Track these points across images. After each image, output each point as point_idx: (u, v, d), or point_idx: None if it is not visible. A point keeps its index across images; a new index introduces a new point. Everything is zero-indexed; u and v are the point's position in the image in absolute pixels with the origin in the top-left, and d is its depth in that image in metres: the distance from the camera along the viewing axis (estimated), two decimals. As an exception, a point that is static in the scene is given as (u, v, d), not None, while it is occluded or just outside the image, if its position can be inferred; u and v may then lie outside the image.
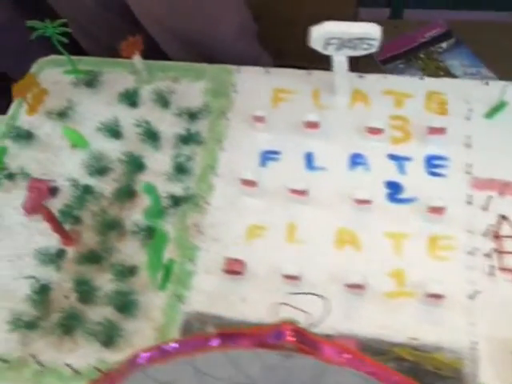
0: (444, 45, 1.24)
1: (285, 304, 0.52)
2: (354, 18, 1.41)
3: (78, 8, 0.91)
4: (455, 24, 1.31)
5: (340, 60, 0.77)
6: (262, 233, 0.71)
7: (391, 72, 1.25)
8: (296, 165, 0.77)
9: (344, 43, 0.74)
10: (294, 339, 0.46)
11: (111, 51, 0.91)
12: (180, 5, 0.83)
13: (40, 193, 0.73)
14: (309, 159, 0.78)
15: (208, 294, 0.67)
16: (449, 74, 1.21)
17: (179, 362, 0.52)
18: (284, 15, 1.26)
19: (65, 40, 0.83)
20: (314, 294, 0.52)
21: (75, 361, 0.63)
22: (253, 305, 0.66)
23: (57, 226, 0.68)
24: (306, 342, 0.46)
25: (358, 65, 0.92)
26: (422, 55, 1.25)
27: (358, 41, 0.73)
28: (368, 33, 0.72)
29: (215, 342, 0.49)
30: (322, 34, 0.72)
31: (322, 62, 0.92)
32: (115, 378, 0.57)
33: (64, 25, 0.82)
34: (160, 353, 0.52)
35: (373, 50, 0.75)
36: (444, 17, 1.40)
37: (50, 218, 0.67)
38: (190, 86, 0.87)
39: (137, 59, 0.85)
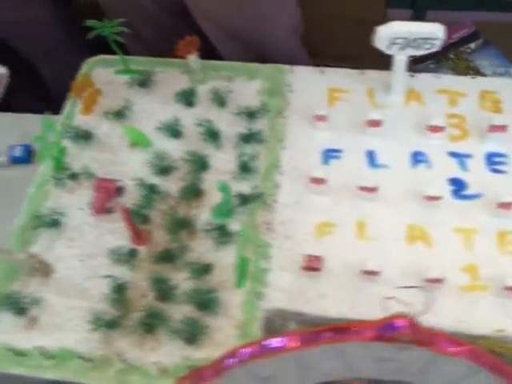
0: (472, 45, 1.27)
1: (390, 298, 0.53)
2: (383, 18, 1.43)
3: (132, 7, 0.91)
4: (480, 25, 1.34)
5: (401, 59, 0.78)
6: (332, 230, 0.72)
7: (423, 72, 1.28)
8: (358, 163, 0.78)
9: (409, 43, 0.75)
10: (411, 332, 0.48)
11: (156, 51, 0.92)
12: (238, 5, 0.83)
13: (108, 193, 0.74)
14: (371, 157, 0.79)
15: (285, 290, 0.68)
16: (479, 73, 1.23)
17: (282, 357, 0.53)
18: (314, 16, 1.28)
19: (121, 40, 0.84)
20: (417, 287, 0.53)
21: (159, 359, 0.63)
22: (332, 301, 0.67)
23: (133, 226, 0.68)
24: (420, 334, 0.48)
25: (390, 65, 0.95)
26: (451, 56, 1.27)
27: (422, 40, 0.75)
28: (433, 32, 0.74)
29: (326, 336, 0.50)
30: (389, 33, 0.73)
31: (352, 62, 0.94)
32: (206, 374, 0.57)
33: (121, 24, 0.82)
34: (262, 349, 0.52)
35: (434, 50, 0.77)
36: (466, 18, 1.43)
37: (128, 217, 0.67)
38: (244, 85, 0.87)
39: (193, 59, 0.86)
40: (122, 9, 0.91)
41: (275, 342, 0.51)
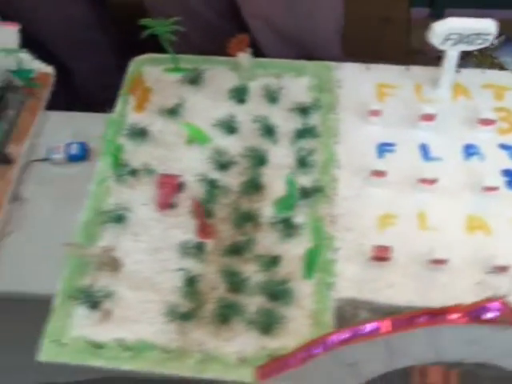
0: (495, 42, 1.29)
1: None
2: (408, 17, 1.46)
3: (179, 7, 0.92)
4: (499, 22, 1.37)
5: (453, 55, 0.80)
6: (394, 221, 0.74)
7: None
8: (412, 156, 0.80)
9: (462, 39, 0.77)
10: (505, 313, 0.49)
11: (200, 51, 0.93)
12: (287, 3, 0.85)
13: (171, 188, 0.75)
14: (424, 150, 0.81)
15: (354, 280, 0.69)
16: (503, 69, 1.26)
17: (373, 342, 0.54)
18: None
19: (173, 38, 0.85)
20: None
21: (236, 349, 0.65)
22: (400, 289, 0.68)
23: (203, 220, 0.69)
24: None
25: (416, 62, 0.97)
26: (475, 52, 1.30)
27: (475, 36, 0.77)
28: (487, 28, 0.76)
29: (421, 320, 0.52)
30: (445, 29, 0.75)
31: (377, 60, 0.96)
32: (291, 362, 0.59)
33: (175, 23, 0.83)
34: (355, 334, 0.54)
35: (485, 45, 0.79)
36: (484, 16, 1.47)
37: (200, 211, 0.68)
38: (293, 82, 0.89)
39: (243, 56, 0.87)
40: (168, 9, 0.92)
41: (369, 326, 0.53)
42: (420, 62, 0.98)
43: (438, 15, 1.62)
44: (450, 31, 0.76)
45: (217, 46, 0.98)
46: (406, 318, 0.54)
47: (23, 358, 0.70)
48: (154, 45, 1.02)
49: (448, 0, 1.58)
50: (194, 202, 0.67)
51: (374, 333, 0.54)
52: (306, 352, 0.59)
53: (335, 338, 0.56)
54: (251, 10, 0.89)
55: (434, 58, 1.33)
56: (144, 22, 0.82)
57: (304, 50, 0.94)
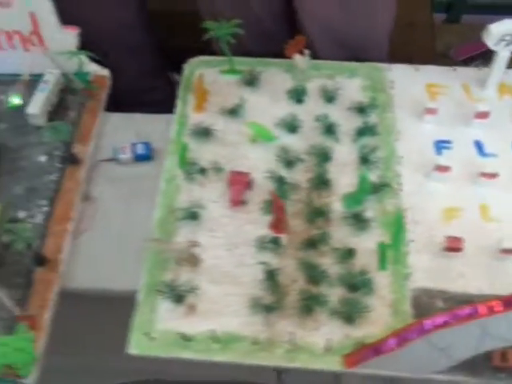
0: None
1: None
2: (431, 22, 1.50)
3: (237, 10, 0.94)
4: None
5: (504, 56, 0.84)
6: (459, 214, 0.77)
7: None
8: (468, 152, 0.83)
9: (516, 40, 0.81)
10: None
11: (248, 52, 0.96)
12: (345, 4, 0.88)
13: (242, 185, 0.77)
14: (479, 147, 0.84)
15: (427, 270, 0.72)
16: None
17: (468, 325, 0.57)
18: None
19: (232, 40, 0.87)
20: None
21: (321, 339, 0.67)
22: (471, 279, 0.71)
23: (282, 216, 0.71)
24: None
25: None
26: (498, 55, 1.34)
27: (528, 37, 0.81)
28: (540, 30, 0.80)
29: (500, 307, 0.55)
30: (502, 30, 0.79)
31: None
32: (385, 348, 0.61)
33: (236, 26, 0.86)
34: (454, 317, 0.56)
35: (537, 47, 0.83)
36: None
37: (279, 207, 0.70)
38: (346, 82, 0.91)
39: (299, 58, 0.90)
40: (226, 12, 0.94)
41: (468, 309, 0.56)
42: (447, 65, 1.02)
43: (455, 21, 1.68)
44: (505, 32, 0.79)
45: (268, 49, 1.01)
46: (504, 300, 0.57)
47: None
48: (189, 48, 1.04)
49: (464, 6, 1.63)
50: (275, 197, 0.69)
51: (473, 315, 0.57)
52: (400, 338, 0.61)
53: (431, 322, 0.59)
54: (309, 13, 0.92)
55: (459, 61, 1.39)
56: (206, 24, 0.85)
57: (355, 51, 0.97)
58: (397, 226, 0.69)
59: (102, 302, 0.75)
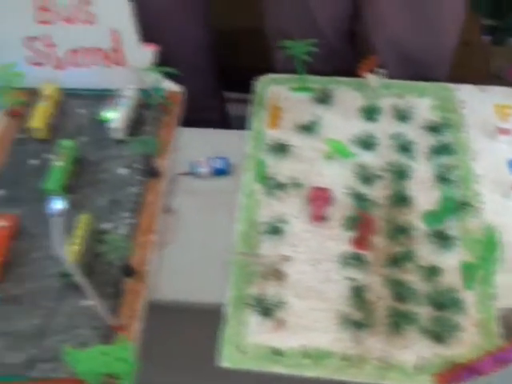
0: None
1: None
2: (483, 43, 1.52)
3: (305, 28, 0.96)
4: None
5: None
6: (541, 232, 0.77)
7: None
8: (543, 171, 0.84)
9: None
10: None
11: (312, 70, 0.97)
12: (418, 21, 0.90)
13: (323, 201, 0.78)
14: (553, 165, 0.85)
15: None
16: None
17: None
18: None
19: (309, 59, 0.89)
20: None
21: (411, 357, 0.66)
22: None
23: (368, 233, 0.72)
24: None
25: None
26: None
27: None
28: None
29: None
30: None
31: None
32: (483, 368, 0.60)
33: (312, 45, 0.87)
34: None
35: None
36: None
37: (369, 224, 0.70)
38: (416, 102, 0.92)
39: (371, 77, 0.91)
40: (293, 30, 0.96)
41: None
42: (503, 86, 1.03)
43: (500, 43, 1.69)
44: None
45: (331, 66, 1.03)
46: None
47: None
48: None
49: (510, 30, 1.65)
50: (364, 214, 0.70)
51: None
52: (497, 358, 0.61)
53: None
54: (377, 27, 0.94)
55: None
56: (283, 43, 0.87)
57: (418, 68, 0.98)
58: (488, 245, 0.69)
59: (181, 313, 0.76)
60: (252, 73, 1.04)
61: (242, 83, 1.31)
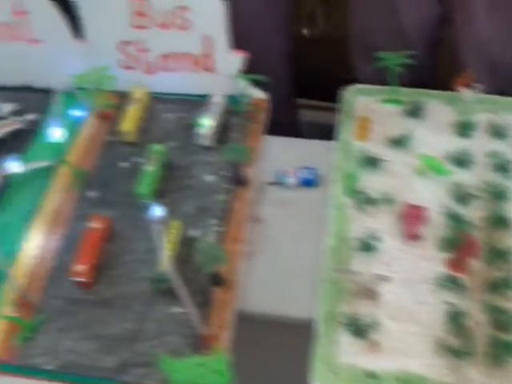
0: None
1: None
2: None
3: (392, 40, 0.94)
4: None
5: None
6: None
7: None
8: None
9: None
10: None
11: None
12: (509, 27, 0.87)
13: (417, 219, 0.75)
14: None
15: None
16: None
17: None
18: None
19: (401, 71, 0.86)
20: None
21: (513, 390, 0.64)
22: None
23: (467, 257, 0.69)
24: None
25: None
26: None
27: None
28: None
29: None
30: None
31: None
32: None
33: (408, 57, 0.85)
34: None
35: None
36: None
37: (473, 247, 0.68)
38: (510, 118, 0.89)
39: (466, 92, 0.88)
40: (380, 42, 0.94)
41: None
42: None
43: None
44: None
45: (417, 78, 1.00)
46: None
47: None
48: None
49: None
50: (467, 237, 0.67)
51: None
52: None
53: None
54: (469, 36, 0.91)
55: None
56: (380, 54, 0.85)
57: (505, 80, 0.94)
58: None
59: (269, 326, 0.75)
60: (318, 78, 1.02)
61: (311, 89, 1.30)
